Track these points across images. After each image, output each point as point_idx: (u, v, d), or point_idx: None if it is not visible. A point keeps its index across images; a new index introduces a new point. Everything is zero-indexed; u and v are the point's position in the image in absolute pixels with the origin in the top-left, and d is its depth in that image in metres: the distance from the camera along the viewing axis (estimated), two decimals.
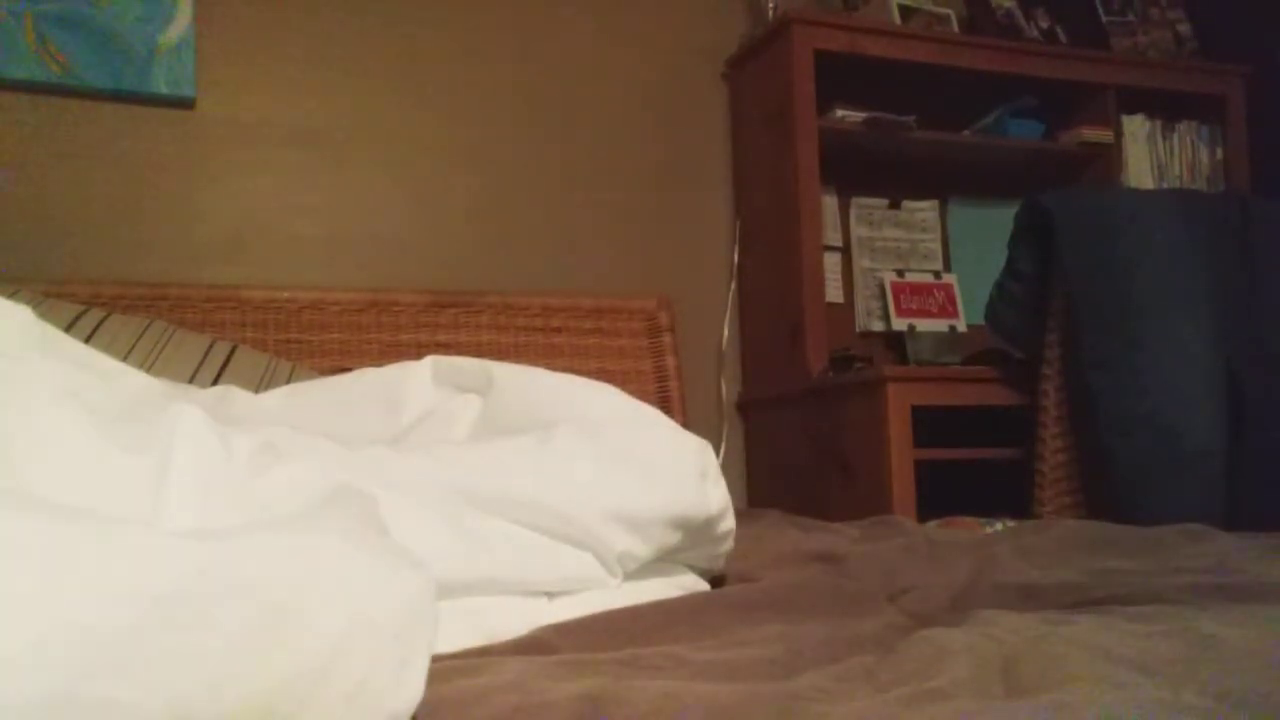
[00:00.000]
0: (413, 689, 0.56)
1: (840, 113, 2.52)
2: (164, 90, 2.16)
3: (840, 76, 2.50)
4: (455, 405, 1.19)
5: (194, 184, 2.23)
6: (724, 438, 2.57)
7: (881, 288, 2.72)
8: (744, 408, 2.62)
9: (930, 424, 2.15)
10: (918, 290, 2.72)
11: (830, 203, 2.71)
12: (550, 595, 0.91)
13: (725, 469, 1.29)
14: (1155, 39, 2.93)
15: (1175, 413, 2.00)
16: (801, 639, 0.79)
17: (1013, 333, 2.21)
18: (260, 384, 1.83)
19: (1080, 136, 2.72)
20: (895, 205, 2.80)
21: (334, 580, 0.55)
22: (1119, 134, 2.77)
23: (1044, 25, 2.82)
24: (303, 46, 2.32)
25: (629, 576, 0.97)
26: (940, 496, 2.13)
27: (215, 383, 1.78)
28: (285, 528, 0.58)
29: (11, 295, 1.79)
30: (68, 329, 1.73)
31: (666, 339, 2.48)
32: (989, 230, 2.74)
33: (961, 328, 2.70)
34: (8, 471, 0.59)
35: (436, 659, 0.65)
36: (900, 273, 2.74)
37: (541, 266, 2.47)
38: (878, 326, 2.72)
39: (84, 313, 1.84)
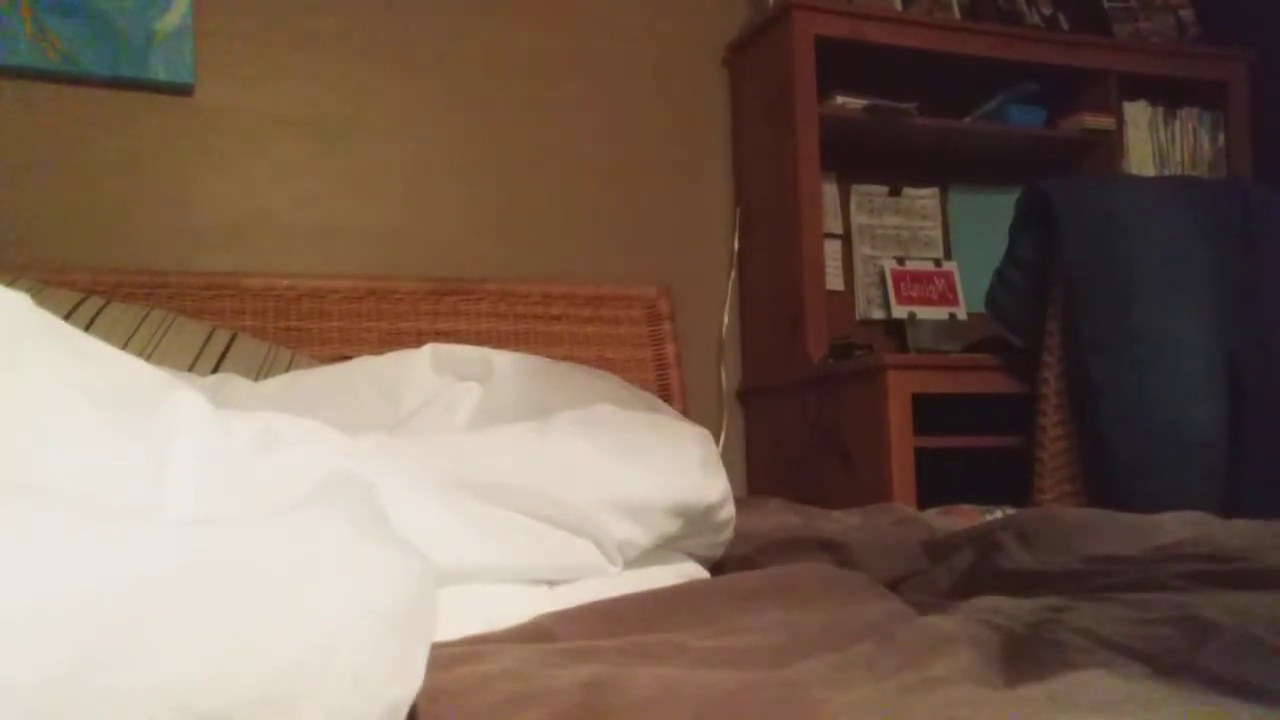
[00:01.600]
0: (413, 677, 0.57)
1: (841, 99, 2.51)
2: (162, 77, 2.16)
3: (841, 63, 2.49)
4: (455, 393, 1.19)
5: (193, 171, 2.22)
6: (724, 426, 2.57)
7: (882, 275, 2.72)
8: (744, 396, 2.62)
9: (930, 412, 2.15)
10: (918, 278, 2.72)
11: (830, 190, 2.70)
12: (550, 583, 0.92)
13: (725, 457, 1.30)
14: (1157, 25, 2.91)
15: (1175, 401, 2.00)
16: (801, 627, 0.79)
17: (1013, 320, 2.21)
18: (260, 372, 1.82)
19: (1082, 123, 2.71)
20: (896, 192, 2.80)
21: (334, 568, 0.55)
22: (1120, 121, 2.76)
23: (1045, 11, 2.81)
24: (302, 34, 2.31)
25: (629, 564, 0.97)
26: (940, 484, 2.13)
27: (215, 370, 1.77)
28: (285, 515, 0.58)
29: (10, 283, 1.79)
30: (67, 317, 1.73)
31: (666, 327, 2.47)
32: (990, 217, 2.74)
33: (962, 315, 2.69)
34: (7, 459, 0.59)
35: (436, 647, 0.65)
36: (901, 260, 2.74)
37: (541, 254, 2.47)
38: (878, 314, 2.72)
39: (83, 300, 1.84)
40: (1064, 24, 2.81)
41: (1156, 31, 2.90)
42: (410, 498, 0.84)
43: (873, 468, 2.15)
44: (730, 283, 2.63)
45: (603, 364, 2.31)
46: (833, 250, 2.68)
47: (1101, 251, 2.05)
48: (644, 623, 0.82)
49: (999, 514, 1.84)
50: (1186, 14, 2.95)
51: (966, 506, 1.97)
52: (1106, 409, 1.99)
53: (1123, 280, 2.04)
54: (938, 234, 2.83)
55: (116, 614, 0.45)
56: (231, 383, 1.35)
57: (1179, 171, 2.83)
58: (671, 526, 0.99)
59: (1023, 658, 0.66)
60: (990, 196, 2.84)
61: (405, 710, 0.56)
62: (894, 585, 1.04)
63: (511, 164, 2.47)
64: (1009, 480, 2.16)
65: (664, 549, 1.03)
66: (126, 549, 0.47)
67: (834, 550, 1.20)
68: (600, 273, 2.50)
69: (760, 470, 2.57)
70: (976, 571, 1.05)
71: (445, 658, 0.67)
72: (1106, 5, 2.89)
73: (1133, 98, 2.80)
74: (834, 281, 2.67)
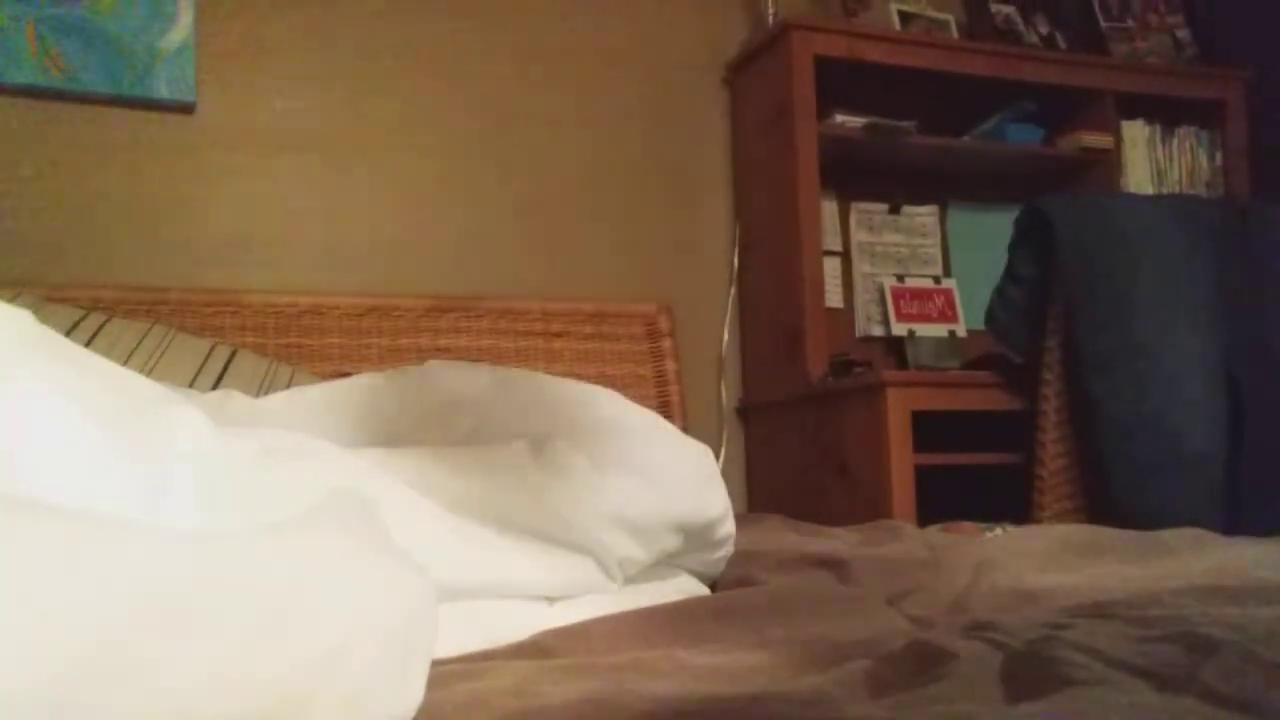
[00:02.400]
0: (413, 693, 0.56)
1: (840, 118, 2.53)
2: (165, 95, 2.17)
3: (840, 82, 2.51)
4: (455, 409, 1.19)
5: (194, 188, 2.23)
6: (724, 442, 2.57)
7: (881, 293, 2.72)
8: (744, 412, 2.62)
9: (930, 429, 2.15)
10: (917, 295, 2.72)
11: (830, 208, 2.71)
12: (550, 599, 0.91)
13: (725, 473, 1.29)
14: (1154, 44, 2.93)
15: (1175, 417, 2.00)
16: (801, 643, 0.79)
17: (1012, 337, 2.21)
18: (260, 388, 1.83)
19: (1079, 142, 2.72)
20: (895, 210, 2.81)
21: (334, 584, 0.55)
22: (1118, 139, 2.77)
23: (1043, 31, 2.83)
24: (303, 51, 2.33)
25: (629, 581, 0.97)
26: (940, 501, 2.12)
27: (215, 387, 1.78)
28: (285, 531, 0.58)
29: (12, 299, 1.79)
30: (68, 333, 1.73)
31: (666, 344, 2.48)
32: (988, 235, 2.74)
33: (961, 332, 2.70)
34: (8, 475, 0.59)
35: (437, 663, 0.65)
36: (900, 278, 2.74)
37: (542, 271, 2.47)
38: (877, 331, 2.72)
39: (84, 317, 1.84)
40: (1062, 43, 2.83)
41: (1153, 51, 2.92)
42: (410, 514, 0.84)
43: (872, 485, 2.14)
44: (730, 300, 2.64)
45: (603, 381, 2.31)
46: (832, 267, 2.69)
47: (1100, 269, 2.05)
48: (644, 639, 0.81)
49: (999, 531, 1.84)
50: (1183, 34, 2.97)
51: (966, 524, 1.97)
52: (1106, 425, 1.99)
53: (1121, 297, 2.04)
54: (937, 251, 2.84)
55: (115, 627, 0.45)
56: (232, 399, 1.35)
57: (1176, 189, 2.83)
58: (672, 543, 0.99)
59: (1022, 674, 0.66)
60: (989, 214, 2.84)
61: None
62: (894, 602, 1.04)
63: (513, 181, 2.48)
64: (1009, 497, 2.16)
65: (664, 565, 1.03)
66: (126, 563, 0.47)
67: (834, 567, 1.19)
68: (601, 290, 2.50)
69: (760, 487, 2.56)
70: (976, 588, 1.04)
71: (445, 674, 0.67)
72: (1104, 25, 2.91)
73: (1130, 116, 2.81)
74: (833, 299, 2.67)
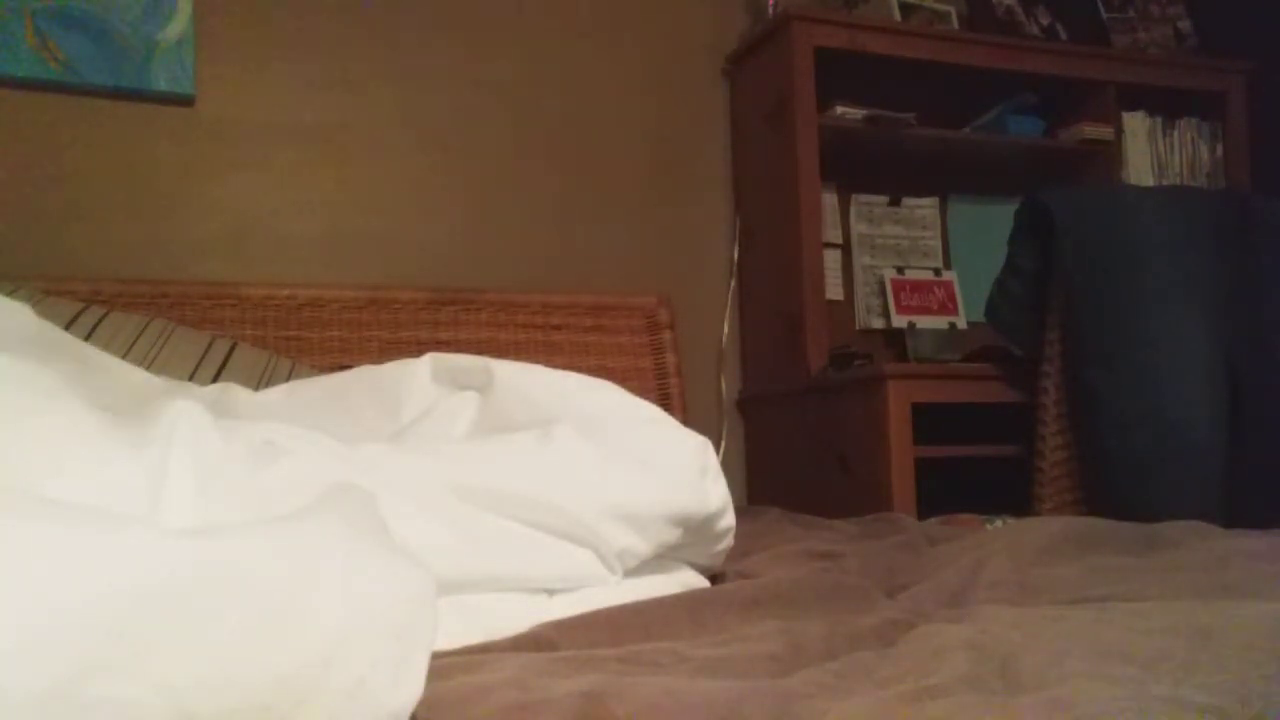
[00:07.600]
0: (412, 686, 0.57)
1: (840, 110, 2.52)
2: (163, 87, 2.16)
3: (840, 73, 2.50)
4: (455, 403, 1.19)
5: (193, 181, 2.23)
6: (724, 435, 2.57)
7: (881, 285, 2.72)
8: (744, 405, 2.62)
9: (930, 421, 2.15)
10: (918, 287, 2.72)
11: (830, 200, 2.71)
12: (550, 592, 0.92)
13: (725, 466, 1.30)
14: (1156, 36, 2.93)
15: (1175, 410, 2.00)
16: (801, 635, 0.79)
17: (1013, 330, 2.21)
18: (260, 381, 1.83)
19: (1080, 133, 2.72)
20: (895, 202, 2.80)
21: (334, 578, 0.55)
22: (1119, 131, 2.77)
23: (1044, 22, 2.82)
24: (302, 44, 2.32)
25: (629, 573, 0.97)
26: (940, 494, 2.12)
27: (215, 380, 1.78)
28: (285, 525, 0.58)
29: (11, 293, 1.79)
30: (67, 326, 1.73)
31: (666, 336, 2.48)
32: (989, 227, 2.74)
33: (961, 325, 2.70)
34: (8, 469, 0.59)
35: (437, 655, 0.65)
36: (900, 270, 2.74)
37: (541, 263, 2.47)
38: (878, 324, 2.72)
39: (84, 310, 1.84)
40: (1063, 34, 2.82)
41: (1155, 42, 2.91)
42: (410, 507, 0.84)
43: (872, 477, 2.14)
44: (730, 292, 2.64)
45: (603, 373, 2.31)
46: (832, 260, 2.69)
47: (1101, 261, 2.05)
48: (644, 632, 0.82)
49: (999, 523, 1.84)
50: (1184, 25, 2.97)
51: (967, 516, 1.97)
52: (1106, 418, 1.99)
53: (1122, 289, 2.04)
54: (937, 244, 2.84)
55: (118, 622, 0.45)
56: (232, 392, 1.35)
57: (1177, 181, 2.83)
58: (671, 535, 0.99)
59: (1022, 666, 0.66)
60: (989, 206, 2.84)
61: (406, 718, 0.56)
62: (893, 594, 1.04)
63: (512, 173, 2.48)
64: (1009, 489, 2.16)
65: (664, 558, 1.03)
66: (127, 557, 0.47)
67: (833, 559, 1.20)
68: (600, 282, 2.50)
69: (760, 479, 2.57)
70: (975, 580, 1.05)
71: (445, 666, 0.67)
72: (1105, 16, 2.90)
73: (1131, 108, 2.81)
74: (834, 291, 2.67)
